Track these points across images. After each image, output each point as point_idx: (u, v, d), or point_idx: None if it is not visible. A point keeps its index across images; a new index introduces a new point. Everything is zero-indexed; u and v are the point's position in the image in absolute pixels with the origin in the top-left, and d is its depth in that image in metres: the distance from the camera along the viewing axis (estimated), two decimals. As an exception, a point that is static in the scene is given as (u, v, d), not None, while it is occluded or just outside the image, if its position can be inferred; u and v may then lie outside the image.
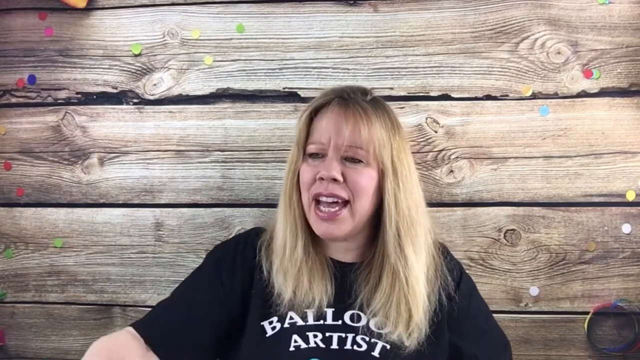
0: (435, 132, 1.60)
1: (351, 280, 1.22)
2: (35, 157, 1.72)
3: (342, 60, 1.63)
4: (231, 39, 1.66)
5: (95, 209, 1.72)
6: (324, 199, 1.16)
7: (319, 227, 1.18)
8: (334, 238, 1.19)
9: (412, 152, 1.58)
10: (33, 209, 1.72)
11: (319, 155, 1.19)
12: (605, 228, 1.56)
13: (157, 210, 1.70)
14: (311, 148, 1.20)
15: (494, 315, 1.57)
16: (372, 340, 1.16)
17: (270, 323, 1.20)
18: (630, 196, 1.55)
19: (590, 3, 1.56)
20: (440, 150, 1.60)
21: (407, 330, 1.16)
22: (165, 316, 1.24)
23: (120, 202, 1.70)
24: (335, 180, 1.15)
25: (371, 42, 1.62)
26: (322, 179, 1.16)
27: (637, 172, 1.55)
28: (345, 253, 1.25)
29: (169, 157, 1.68)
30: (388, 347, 1.16)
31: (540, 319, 1.58)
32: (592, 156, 1.56)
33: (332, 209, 1.16)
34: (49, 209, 1.72)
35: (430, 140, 1.61)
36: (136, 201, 1.70)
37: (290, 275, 1.19)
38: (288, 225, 1.22)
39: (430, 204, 1.59)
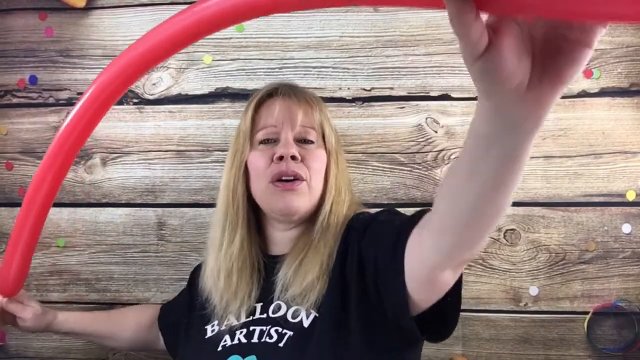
0: (435, 132, 1.60)
1: (279, 270, 1.21)
2: (37, 157, 1.73)
3: (342, 60, 1.63)
4: (230, 38, 1.66)
5: (98, 208, 1.73)
6: (285, 177, 1.18)
7: (279, 201, 1.19)
8: (294, 210, 1.19)
9: (412, 152, 1.61)
10: (35, 210, 1.73)
11: (270, 141, 1.22)
12: (605, 228, 1.56)
13: (160, 209, 1.70)
14: (261, 134, 1.23)
15: (494, 315, 1.58)
16: (284, 330, 1.13)
17: (212, 326, 1.22)
18: (630, 196, 1.55)
19: (591, 2, 1.55)
20: (440, 150, 1.60)
21: (302, 290, 1.12)
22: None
23: (123, 201, 1.71)
24: (293, 158, 1.18)
25: (371, 42, 1.62)
26: (281, 157, 1.18)
27: (637, 172, 1.54)
28: (286, 245, 1.25)
29: (170, 157, 1.69)
30: (293, 334, 1.10)
31: (539, 319, 1.58)
32: (592, 156, 1.56)
33: (292, 181, 1.18)
34: (52, 209, 1.72)
35: (430, 140, 1.60)
36: (138, 201, 1.71)
37: (221, 276, 1.22)
38: (228, 219, 1.24)
39: (431, 204, 1.59)
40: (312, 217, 1.24)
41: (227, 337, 1.17)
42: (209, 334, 1.21)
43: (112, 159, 1.71)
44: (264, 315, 1.17)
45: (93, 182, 1.72)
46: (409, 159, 1.61)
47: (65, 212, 1.73)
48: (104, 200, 1.72)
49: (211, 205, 1.66)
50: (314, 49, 1.64)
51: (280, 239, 1.27)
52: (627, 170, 1.55)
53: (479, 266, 1.58)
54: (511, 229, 1.58)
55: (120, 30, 1.70)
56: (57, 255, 1.73)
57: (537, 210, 1.58)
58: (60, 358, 1.73)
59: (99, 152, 1.72)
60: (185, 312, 1.36)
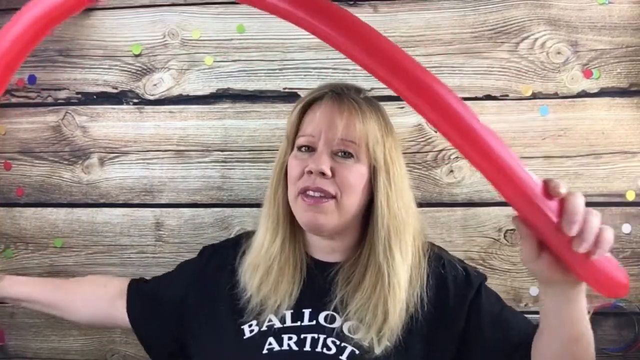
0: (436, 132, 1.60)
1: (331, 280, 1.19)
2: (36, 157, 1.72)
3: (342, 61, 1.64)
4: (231, 39, 1.66)
5: (96, 209, 1.72)
6: (310, 193, 1.13)
7: (304, 216, 1.15)
8: (319, 228, 1.15)
9: (412, 152, 1.60)
10: (33, 209, 1.72)
11: (309, 149, 1.17)
12: (605, 228, 1.56)
13: (157, 210, 1.70)
14: (301, 140, 1.19)
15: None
16: (342, 344, 1.12)
17: (250, 326, 1.19)
18: (630, 196, 1.55)
19: (590, 3, 1.57)
20: (440, 150, 1.60)
21: (379, 333, 1.11)
22: (147, 282, 1.44)
23: (121, 202, 1.70)
24: (323, 174, 1.13)
25: (371, 42, 1.62)
26: (310, 172, 1.14)
27: (637, 172, 1.55)
28: (330, 253, 1.23)
29: (168, 157, 1.68)
30: (357, 351, 1.11)
31: (540, 319, 1.57)
32: (592, 156, 1.56)
33: (318, 197, 1.14)
34: (49, 209, 1.72)
35: (430, 140, 1.61)
36: (136, 201, 1.70)
37: (259, 271, 1.19)
38: (270, 219, 1.22)
39: (430, 204, 1.60)
40: (357, 229, 1.22)
41: (271, 339, 1.15)
42: (247, 334, 1.18)
43: (110, 159, 1.70)
44: (313, 322, 1.16)
45: (90, 182, 1.71)
46: (409, 159, 1.60)
47: (62, 212, 1.72)
48: (101, 201, 1.71)
49: (210, 205, 1.67)
50: (315, 50, 1.64)
51: (319, 245, 1.24)
52: (627, 170, 1.55)
53: (479, 266, 1.58)
54: (511, 229, 1.58)
55: (122, 30, 1.70)
56: (54, 255, 1.72)
57: (537, 210, 1.57)
58: (58, 359, 1.71)
59: (96, 152, 1.71)
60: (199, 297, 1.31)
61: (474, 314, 1.17)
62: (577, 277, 0.84)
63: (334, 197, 1.14)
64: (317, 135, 1.16)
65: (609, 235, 0.80)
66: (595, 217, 0.80)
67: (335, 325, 1.15)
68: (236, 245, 1.32)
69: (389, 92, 1.58)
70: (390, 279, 1.13)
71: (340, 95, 1.20)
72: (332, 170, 1.14)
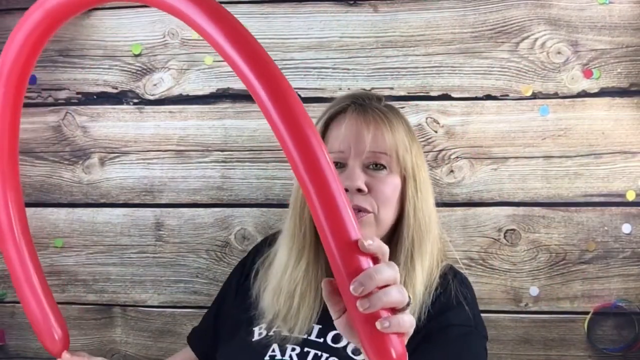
0: (435, 132, 1.60)
1: None
2: (36, 157, 1.72)
3: (342, 60, 1.63)
4: (231, 39, 1.66)
5: (96, 208, 1.72)
6: None
7: None
8: None
9: (412, 152, 1.60)
10: (33, 209, 1.72)
11: (337, 165, 1.12)
12: (605, 228, 1.56)
13: (158, 210, 1.70)
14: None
15: (494, 315, 1.58)
16: None
17: (260, 328, 1.17)
18: (630, 196, 1.55)
19: (590, 3, 1.56)
20: (440, 150, 1.60)
21: None
22: (202, 323, 1.41)
23: (121, 202, 1.71)
24: (359, 190, 1.09)
25: (371, 42, 1.62)
26: (346, 190, 1.06)
27: (637, 172, 1.55)
28: None
29: (169, 157, 1.68)
30: None
31: (540, 319, 1.57)
32: (592, 156, 1.56)
33: (356, 213, 1.08)
34: (50, 209, 1.73)
35: (430, 140, 1.61)
36: (136, 201, 1.70)
37: (282, 296, 1.16)
38: (295, 243, 1.17)
39: (431, 204, 1.60)
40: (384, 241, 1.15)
41: (275, 347, 1.13)
42: (255, 336, 1.17)
43: (111, 159, 1.71)
44: (321, 340, 1.13)
45: (91, 182, 1.71)
46: (409, 159, 1.60)
47: (63, 212, 1.72)
48: (101, 201, 1.71)
49: (210, 205, 1.67)
50: (314, 50, 1.64)
51: None
52: (627, 170, 1.55)
53: (479, 266, 1.58)
54: (511, 229, 1.58)
55: (121, 30, 1.70)
56: (55, 255, 1.72)
57: (537, 210, 1.58)
58: (58, 358, 1.72)
59: (97, 152, 1.71)
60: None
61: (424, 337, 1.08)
62: (359, 339, 0.72)
63: (371, 212, 1.11)
64: (346, 150, 1.12)
65: (393, 293, 0.70)
66: (385, 272, 0.70)
67: (340, 345, 1.11)
68: (257, 248, 1.35)
69: (389, 92, 1.61)
70: (407, 288, 1.06)
71: (363, 105, 1.16)
72: (367, 184, 1.10)
